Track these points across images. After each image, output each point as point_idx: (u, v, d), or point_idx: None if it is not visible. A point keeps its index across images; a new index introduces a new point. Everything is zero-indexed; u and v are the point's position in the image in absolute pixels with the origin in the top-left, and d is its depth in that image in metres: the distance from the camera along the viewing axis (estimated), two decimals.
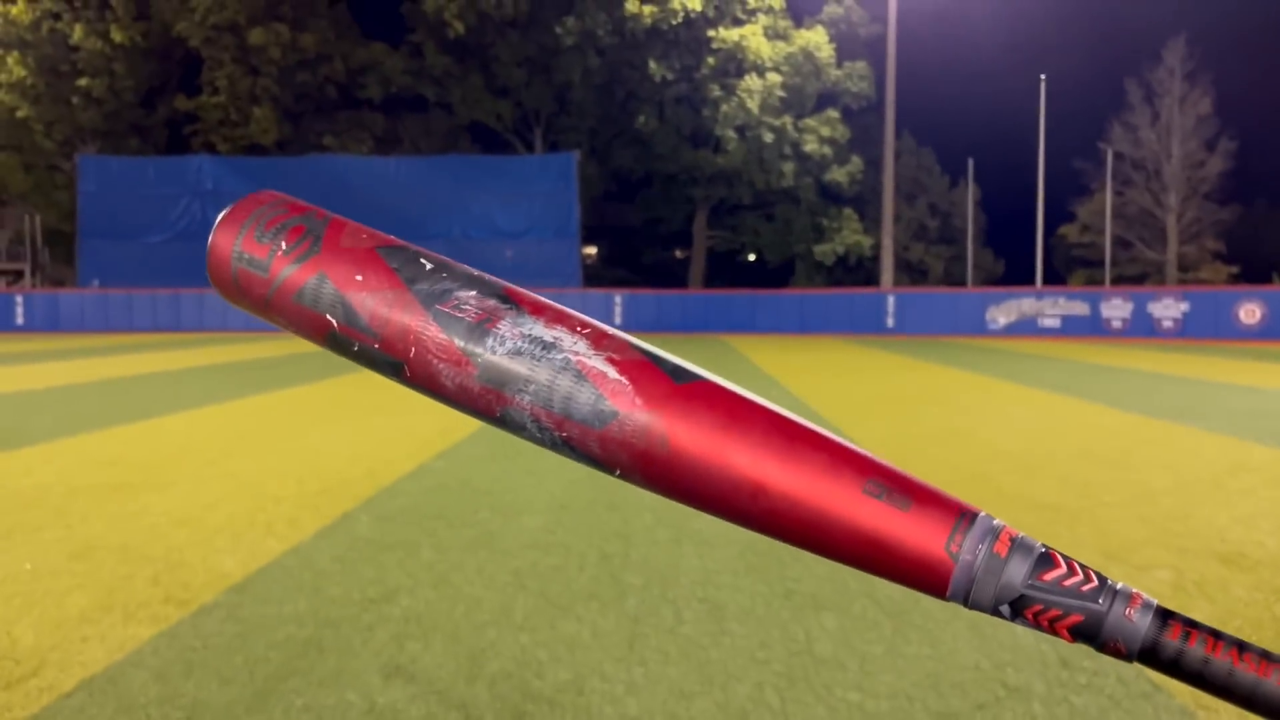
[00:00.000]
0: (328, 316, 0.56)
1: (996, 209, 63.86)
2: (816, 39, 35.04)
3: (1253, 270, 39.64)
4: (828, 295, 28.68)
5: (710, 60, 34.77)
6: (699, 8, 33.79)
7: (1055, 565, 0.45)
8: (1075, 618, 0.44)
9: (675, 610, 3.09)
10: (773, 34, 35.60)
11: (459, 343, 0.53)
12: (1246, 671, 0.42)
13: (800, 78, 34.93)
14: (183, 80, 38.88)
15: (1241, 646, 0.42)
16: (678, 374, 0.51)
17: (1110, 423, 7.83)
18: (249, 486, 4.97)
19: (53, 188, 36.74)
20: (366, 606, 3.09)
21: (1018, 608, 0.45)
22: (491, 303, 0.54)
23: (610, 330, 0.54)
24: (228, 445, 6.39)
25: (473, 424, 7.19)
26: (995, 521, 0.46)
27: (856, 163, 35.98)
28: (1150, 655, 0.43)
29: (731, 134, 34.78)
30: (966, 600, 0.46)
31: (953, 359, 16.57)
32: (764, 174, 35.76)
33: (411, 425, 7.31)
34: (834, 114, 35.67)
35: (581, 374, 0.51)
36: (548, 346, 0.52)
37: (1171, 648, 0.43)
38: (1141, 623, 0.43)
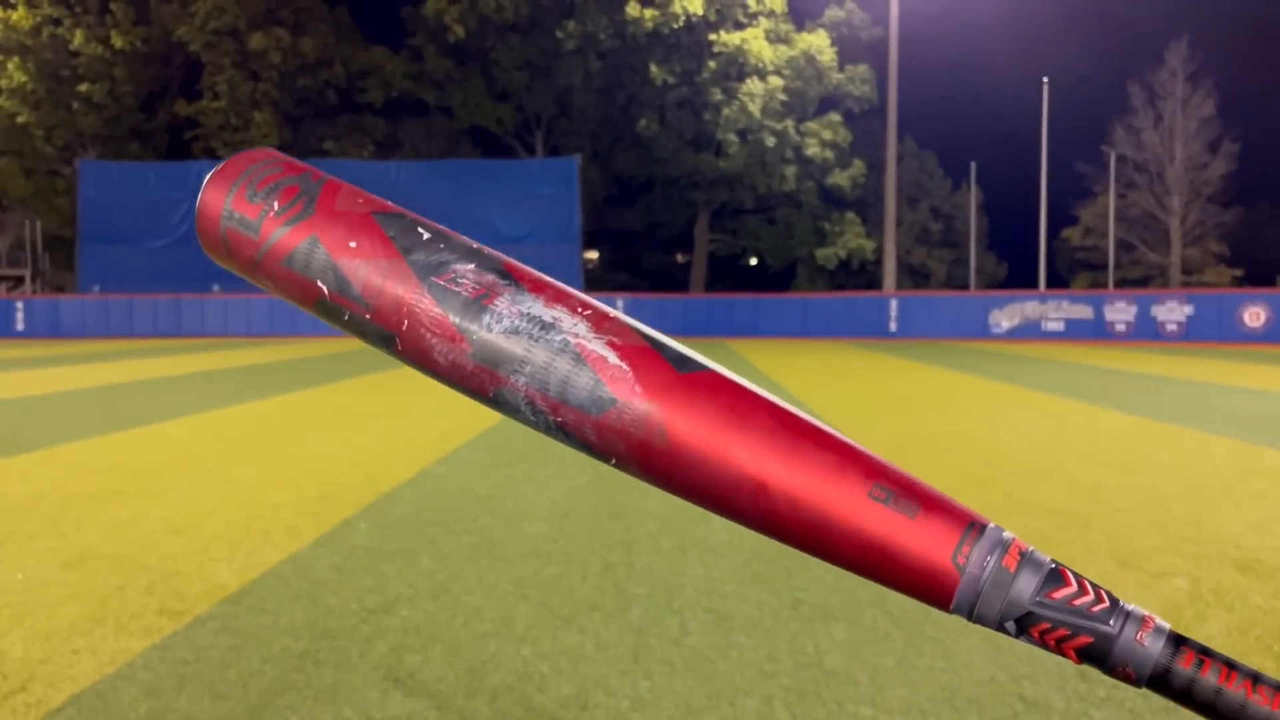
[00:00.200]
0: (318, 283, 0.54)
1: (999, 212, 63.86)
2: (818, 42, 35.03)
3: (1257, 273, 39.49)
4: (830, 299, 28.59)
5: (711, 64, 34.74)
6: (700, 11, 33.77)
7: (1065, 583, 0.43)
8: (1084, 639, 0.42)
9: (680, 621, 3.02)
10: (774, 37, 35.60)
11: (454, 318, 0.51)
12: (1260, 705, 0.40)
13: (802, 81, 34.92)
14: (183, 85, 38.97)
15: (1256, 678, 0.41)
16: (680, 362, 0.49)
17: (1117, 426, 7.76)
18: (247, 493, 4.90)
19: (53, 193, 36.72)
20: (365, 617, 3.02)
21: (1024, 625, 0.43)
22: (490, 278, 0.52)
23: (612, 313, 0.51)
24: (226, 451, 6.33)
25: (474, 429, 7.13)
26: (1005, 534, 0.45)
27: (858, 166, 35.97)
28: (1161, 683, 0.42)
29: (733, 138, 34.75)
30: (971, 614, 0.44)
31: (956, 362, 16.50)
32: (766, 178, 35.73)
33: (412, 431, 7.25)
34: (836, 117, 35.67)
35: (580, 357, 0.49)
36: (546, 327, 0.50)
37: (1183, 676, 0.41)
38: (1153, 648, 0.42)
